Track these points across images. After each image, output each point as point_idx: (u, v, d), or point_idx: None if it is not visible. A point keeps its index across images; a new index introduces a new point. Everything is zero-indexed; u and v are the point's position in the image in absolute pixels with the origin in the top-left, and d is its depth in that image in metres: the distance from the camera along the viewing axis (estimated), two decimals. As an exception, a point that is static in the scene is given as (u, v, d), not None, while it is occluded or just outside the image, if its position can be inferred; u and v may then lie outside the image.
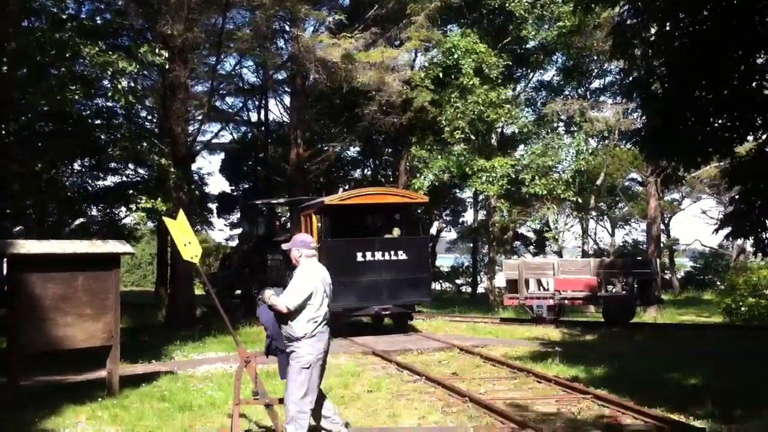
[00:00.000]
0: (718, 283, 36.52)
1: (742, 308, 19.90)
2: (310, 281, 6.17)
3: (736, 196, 11.28)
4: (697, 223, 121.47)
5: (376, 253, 16.07)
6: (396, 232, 17.26)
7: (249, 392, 6.91)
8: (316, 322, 6.17)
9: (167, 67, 16.60)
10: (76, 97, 12.95)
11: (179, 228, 6.83)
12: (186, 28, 17.92)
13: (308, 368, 6.09)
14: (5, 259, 8.73)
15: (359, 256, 15.97)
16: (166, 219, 7.02)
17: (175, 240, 6.85)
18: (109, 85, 13.24)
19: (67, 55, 11.83)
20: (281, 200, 25.07)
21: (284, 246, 6.62)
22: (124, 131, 16.57)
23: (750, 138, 11.30)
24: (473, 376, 10.88)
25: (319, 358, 6.19)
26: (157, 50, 14.04)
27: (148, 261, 52.91)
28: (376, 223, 18.55)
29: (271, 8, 20.30)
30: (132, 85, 14.40)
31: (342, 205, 16.59)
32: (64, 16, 12.86)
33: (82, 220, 25.24)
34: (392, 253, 16.20)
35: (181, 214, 7.00)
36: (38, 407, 8.41)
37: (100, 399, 9.04)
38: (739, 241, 36.24)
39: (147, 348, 14.07)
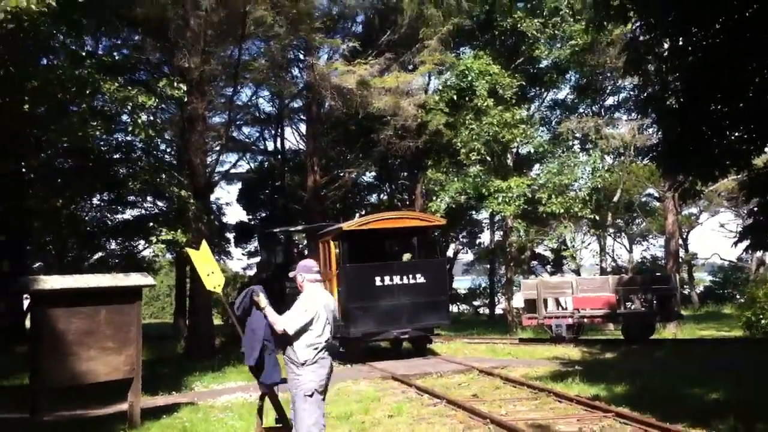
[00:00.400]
0: (738, 296, 36.15)
1: (763, 321, 19.64)
2: (312, 306, 6.10)
3: (755, 209, 11.27)
4: (715, 237, 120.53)
5: (394, 277, 16.09)
6: (406, 256, 17.32)
7: (272, 420, 6.92)
8: (316, 348, 6.06)
9: (185, 99, 16.83)
10: (97, 133, 13.13)
11: (202, 258, 6.91)
12: (203, 61, 18.22)
13: (311, 396, 5.99)
14: (26, 296, 8.84)
15: (378, 281, 15.99)
16: (189, 250, 7.09)
17: (198, 270, 6.91)
18: (128, 120, 13.42)
19: (88, 91, 12.03)
20: (298, 227, 25.17)
21: (290, 273, 6.61)
22: (143, 165, 16.78)
23: (767, 149, 11.30)
24: (494, 398, 10.84)
25: (321, 385, 6.08)
26: (175, 84, 14.26)
27: (166, 293, 53.10)
28: (394, 248, 18.59)
29: (286, 38, 20.59)
30: (152, 119, 14.59)
31: (360, 230, 16.65)
32: (83, 53, 13.10)
33: (101, 254, 25.47)
34: (410, 276, 16.21)
35: (204, 244, 7.07)
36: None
37: (122, 432, 9.11)
38: (759, 254, 35.87)
39: (167, 380, 14.12)
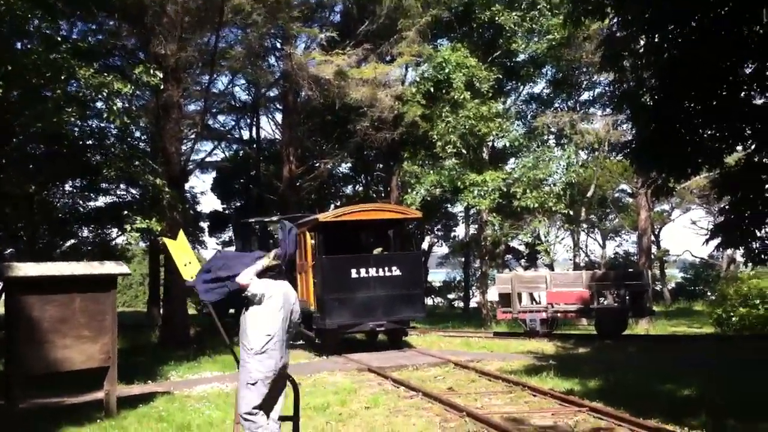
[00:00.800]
0: (709, 293, 36.68)
1: (733, 318, 19.98)
2: (271, 289, 6.04)
3: (726, 207, 11.43)
4: (687, 234, 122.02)
5: (370, 269, 16.13)
6: (377, 251, 17.37)
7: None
8: (269, 336, 5.95)
9: (161, 87, 16.68)
10: (72, 119, 12.98)
11: (179, 248, 6.86)
12: (179, 48, 18.05)
13: (254, 384, 5.88)
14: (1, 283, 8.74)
15: (354, 273, 16.02)
16: (166, 240, 7.04)
17: (175, 260, 6.87)
18: (103, 107, 13.27)
19: (63, 77, 11.87)
20: (274, 218, 25.09)
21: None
22: (117, 152, 16.60)
23: (739, 148, 11.47)
24: (469, 391, 10.92)
25: (267, 377, 5.94)
26: (151, 71, 14.11)
27: (139, 281, 52.64)
28: (370, 240, 18.60)
29: (264, 26, 20.44)
30: (127, 105, 14.44)
31: (336, 222, 16.66)
32: (58, 38, 12.92)
33: (73, 241, 25.18)
34: (386, 269, 16.25)
35: (181, 234, 7.03)
36: (37, 430, 8.40)
37: (98, 420, 9.05)
38: (729, 251, 36.45)
39: (142, 369, 14.06)
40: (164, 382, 13.01)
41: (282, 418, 6.23)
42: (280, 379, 6.11)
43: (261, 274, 6.12)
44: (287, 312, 6.09)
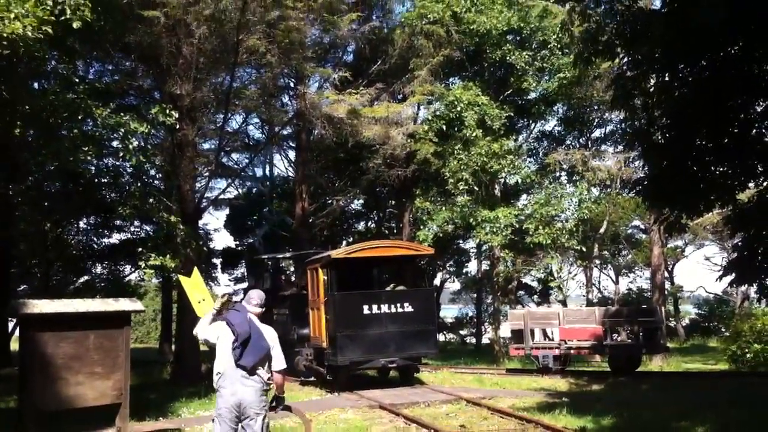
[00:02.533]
0: (723, 329, 36.31)
1: (748, 355, 19.79)
2: (218, 325, 6.26)
3: (739, 243, 11.41)
4: (700, 270, 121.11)
5: (382, 305, 16.11)
6: (391, 286, 17.37)
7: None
8: (218, 374, 6.10)
9: (177, 126, 16.90)
10: (88, 157, 13.17)
11: (193, 285, 6.94)
12: (194, 88, 18.30)
13: (213, 421, 6.11)
14: (11, 319, 8.82)
15: (366, 309, 16.00)
16: (181, 277, 7.12)
17: (189, 297, 6.94)
18: (119, 146, 13.46)
19: (79, 116, 12.09)
20: (287, 255, 25.17)
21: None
22: (132, 190, 16.78)
23: (751, 185, 11.46)
24: (481, 429, 10.85)
25: (220, 413, 6.03)
26: (167, 111, 14.33)
27: (152, 317, 52.74)
28: (383, 276, 18.61)
29: (277, 66, 20.69)
30: (142, 144, 14.65)
31: (348, 258, 16.69)
32: (75, 79, 13.17)
33: (86, 277, 25.35)
34: (398, 305, 16.22)
35: (196, 271, 7.11)
36: (49, 467, 8.41)
37: (110, 457, 9.04)
38: (743, 288, 36.14)
39: (154, 405, 14.04)
40: (176, 418, 12.98)
41: None
42: (246, 418, 6.07)
43: (216, 317, 6.34)
44: (239, 344, 6.07)
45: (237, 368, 6.04)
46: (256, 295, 6.45)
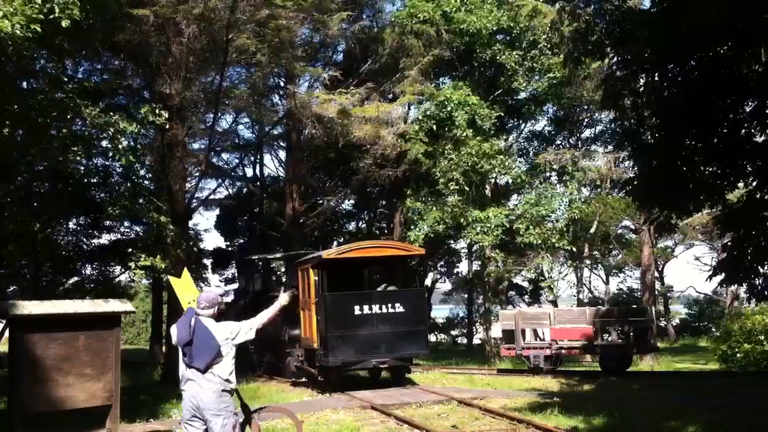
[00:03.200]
0: (714, 329, 36.48)
1: (738, 355, 19.87)
2: (172, 329, 6.39)
3: (729, 243, 11.44)
4: (690, 270, 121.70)
5: (373, 306, 16.07)
6: (382, 286, 17.35)
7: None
8: (181, 376, 6.18)
9: (166, 126, 16.82)
10: (78, 157, 13.09)
11: (183, 286, 6.90)
12: (184, 87, 18.23)
13: (183, 425, 6.16)
14: (4, 321, 8.75)
15: (357, 310, 15.97)
16: (171, 278, 7.08)
17: (179, 298, 6.90)
18: (109, 145, 13.39)
19: (68, 116, 12.01)
20: (277, 255, 25.12)
21: None
22: (122, 190, 16.70)
23: (740, 185, 11.51)
24: (473, 429, 10.82)
25: (185, 417, 6.11)
26: (157, 110, 14.26)
27: (142, 319, 52.55)
28: (374, 277, 18.58)
29: (268, 66, 20.64)
30: (132, 144, 14.58)
31: (339, 259, 16.66)
32: (64, 78, 13.09)
33: (76, 278, 25.20)
34: (389, 305, 16.19)
35: (186, 272, 7.07)
36: (39, 469, 8.35)
37: (100, 459, 8.99)
38: (733, 288, 36.29)
39: (144, 407, 13.96)
40: (166, 420, 12.89)
41: None
42: (212, 419, 6.03)
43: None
44: (183, 348, 6.16)
45: (192, 370, 6.08)
46: (204, 297, 6.42)
